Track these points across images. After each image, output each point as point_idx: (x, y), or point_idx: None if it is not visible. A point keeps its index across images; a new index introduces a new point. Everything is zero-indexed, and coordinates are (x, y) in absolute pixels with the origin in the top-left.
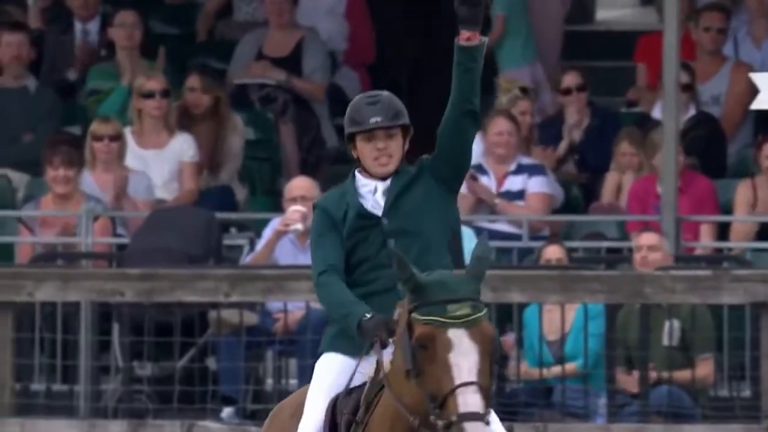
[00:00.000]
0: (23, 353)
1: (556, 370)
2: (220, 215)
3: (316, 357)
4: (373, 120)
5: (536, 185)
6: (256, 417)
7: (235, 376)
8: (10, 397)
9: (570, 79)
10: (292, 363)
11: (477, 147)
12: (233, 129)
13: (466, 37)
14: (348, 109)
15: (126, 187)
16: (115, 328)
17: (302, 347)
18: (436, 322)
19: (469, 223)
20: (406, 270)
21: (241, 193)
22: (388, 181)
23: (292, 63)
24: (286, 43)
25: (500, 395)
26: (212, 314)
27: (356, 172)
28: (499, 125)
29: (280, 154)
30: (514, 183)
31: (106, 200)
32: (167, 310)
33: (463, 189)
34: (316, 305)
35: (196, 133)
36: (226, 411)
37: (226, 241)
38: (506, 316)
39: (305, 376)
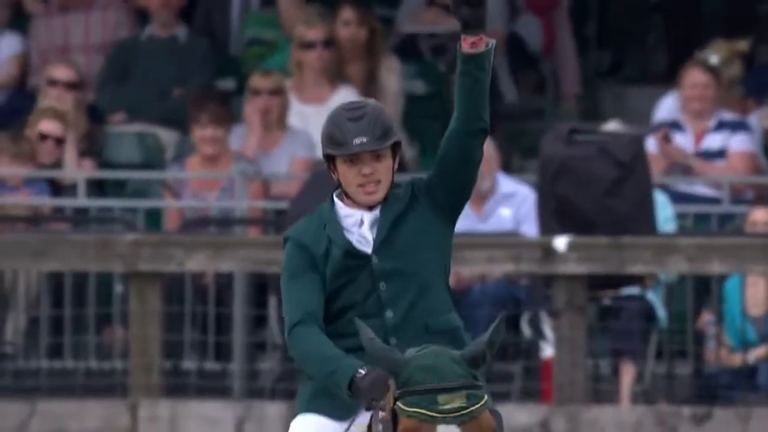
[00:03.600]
0: (172, 329)
1: (761, 351)
2: None
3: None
4: (357, 141)
5: (739, 143)
6: None
7: None
8: (159, 376)
9: None
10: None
11: (672, 102)
12: (389, 68)
13: (470, 43)
14: (326, 123)
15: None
16: (272, 300)
17: (476, 322)
18: (423, 416)
19: (663, 187)
20: (385, 358)
21: (408, 152)
22: (376, 211)
23: None
24: None
25: (698, 376)
26: None
27: (335, 198)
28: (694, 77)
29: (451, 108)
30: (713, 141)
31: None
32: None
33: (654, 150)
34: (492, 277)
35: (348, 77)
36: None
37: None
38: (704, 289)
39: None
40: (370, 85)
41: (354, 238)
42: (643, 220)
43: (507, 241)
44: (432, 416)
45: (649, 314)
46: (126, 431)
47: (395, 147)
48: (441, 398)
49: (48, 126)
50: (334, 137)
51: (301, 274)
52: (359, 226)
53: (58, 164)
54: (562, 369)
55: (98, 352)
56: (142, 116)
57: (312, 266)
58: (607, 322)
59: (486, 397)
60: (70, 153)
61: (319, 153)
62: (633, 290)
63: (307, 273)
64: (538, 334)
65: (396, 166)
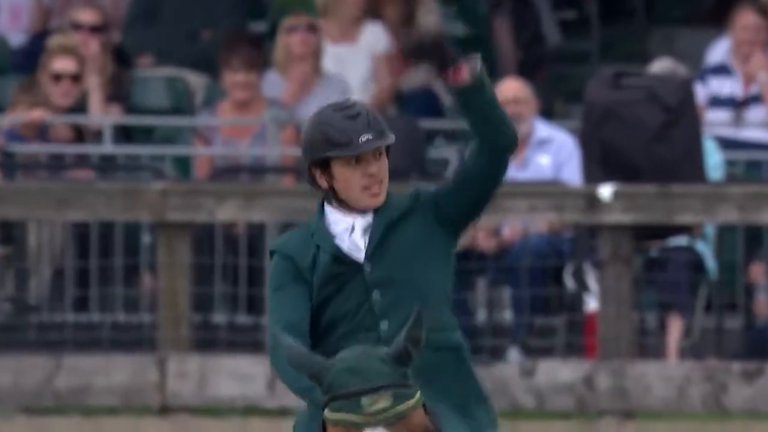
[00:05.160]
0: (202, 281)
1: None
2: (425, 123)
3: (534, 287)
4: (363, 138)
5: None
6: (482, 357)
7: None
8: (188, 330)
9: None
10: (506, 293)
11: (725, 45)
12: (428, 10)
13: (453, 79)
14: (315, 125)
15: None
16: None
17: (517, 275)
18: (347, 422)
19: (710, 133)
20: (307, 366)
21: (447, 97)
22: (369, 217)
23: None
24: None
25: (749, 330)
26: None
27: (325, 206)
28: (746, 18)
29: (494, 52)
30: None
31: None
32: None
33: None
34: (535, 227)
35: (383, 17)
36: None
37: (432, 153)
38: (755, 240)
39: (520, 309)
40: (405, 27)
41: (345, 245)
42: (691, 168)
43: (549, 190)
44: (356, 421)
45: (698, 265)
46: (154, 386)
47: (387, 149)
48: (365, 401)
49: (61, 64)
50: (332, 138)
51: (285, 286)
52: (350, 233)
53: (79, 107)
54: (607, 323)
55: (125, 305)
56: (171, 59)
57: (297, 278)
58: (653, 273)
59: (417, 396)
60: (95, 97)
61: (354, 97)
62: (681, 240)
63: (291, 285)
64: (582, 286)
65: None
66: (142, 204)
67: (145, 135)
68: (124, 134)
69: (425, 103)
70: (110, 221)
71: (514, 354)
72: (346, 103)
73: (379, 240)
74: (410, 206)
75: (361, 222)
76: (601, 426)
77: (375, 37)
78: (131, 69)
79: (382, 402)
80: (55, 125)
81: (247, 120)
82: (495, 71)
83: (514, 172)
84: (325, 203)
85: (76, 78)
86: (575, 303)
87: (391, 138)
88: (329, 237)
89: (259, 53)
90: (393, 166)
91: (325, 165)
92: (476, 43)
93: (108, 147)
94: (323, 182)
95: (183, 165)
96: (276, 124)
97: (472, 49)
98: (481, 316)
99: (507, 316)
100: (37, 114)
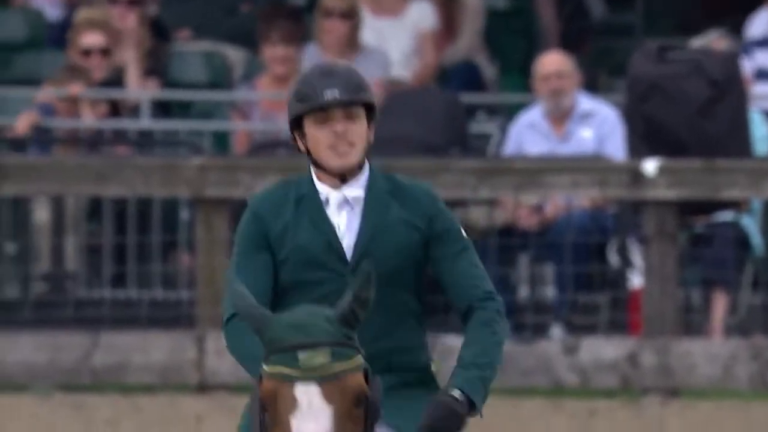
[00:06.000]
0: None
1: None
2: (466, 97)
3: (577, 264)
4: (328, 93)
5: None
6: (524, 334)
7: None
8: None
9: None
10: (549, 269)
11: (762, 16)
12: None
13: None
14: (294, 86)
15: None
16: None
17: (560, 251)
18: (280, 376)
19: (757, 106)
20: (248, 315)
21: (489, 70)
22: (350, 191)
23: None
24: None
25: None
26: (456, 213)
27: (312, 171)
28: None
29: (537, 25)
30: None
31: None
32: None
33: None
34: (578, 203)
35: None
36: None
37: (473, 128)
38: None
39: (563, 286)
40: (449, 1)
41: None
42: (737, 142)
43: (592, 165)
44: (290, 374)
45: (744, 241)
46: (192, 364)
47: (370, 113)
48: (302, 356)
49: (90, 39)
50: (301, 93)
51: (250, 252)
52: (326, 206)
53: (116, 82)
54: (652, 300)
55: (163, 282)
56: (209, 33)
57: (263, 245)
58: (699, 250)
59: (358, 359)
60: (132, 72)
61: (393, 72)
62: (726, 216)
63: (254, 254)
64: (626, 263)
65: (371, 135)
66: (180, 180)
67: (183, 110)
68: (162, 109)
69: (466, 77)
70: (148, 197)
71: (557, 331)
72: (330, 64)
73: (365, 246)
74: (407, 214)
75: (335, 195)
76: (645, 404)
77: (421, 14)
78: (169, 43)
79: (319, 358)
80: (88, 100)
81: (286, 94)
82: (536, 45)
83: (556, 145)
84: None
85: (106, 52)
86: (619, 280)
87: (362, 97)
88: (324, 213)
89: (298, 26)
90: (434, 141)
91: (299, 125)
92: (518, 16)
93: (146, 122)
94: (301, 145)
95: (221, 140)
96: None
97: (514, 23)
98: (523, 292)
99: (550, 292)
100: (75, 88)
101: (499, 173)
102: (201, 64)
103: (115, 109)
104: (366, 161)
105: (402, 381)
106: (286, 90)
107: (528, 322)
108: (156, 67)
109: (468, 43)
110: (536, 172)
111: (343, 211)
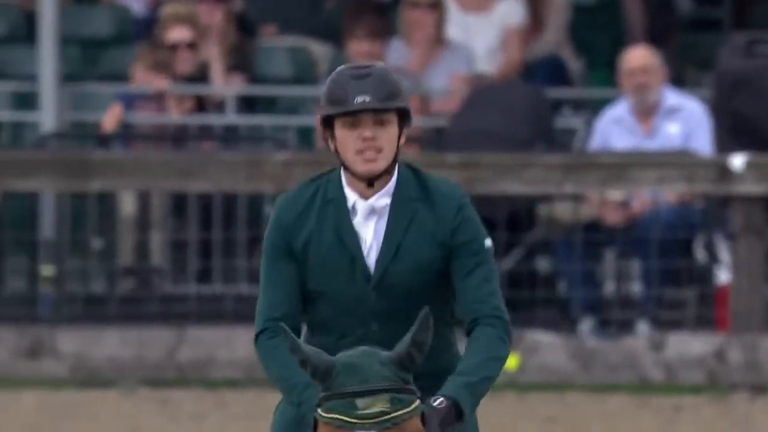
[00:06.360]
0: None
1: None
2: (551, 92)
3: (664, 259)
4: (359, 99)
5: None
6: (610, 330)
7: (569, 281)
8: None
9: None
10: (635, 265)
11: None
12: None
13: None
14: (327, 84)
15: None
16: None
17: (646, 247)
18: (339, 422)
19: None
20: (303, 360)
21: (575, 65)
22: (377, 200)
23: None
24: None
25: None
26: (541, 208)
27: (341, 172)
28: None
29: (623, 20)
30: None
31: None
32: (490, 202)
33: None
34: (664, 199)
35: None
36: (585, 324)
37: (559, 123)
38: None
39: (650, 281)
40: None
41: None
42: None
43: (679, 160)
44: (348, 422)
45: None
46: None
47: (403, 118)
48: (360, 402)
49: (176, 34)
50: (333, 95)
51: (275, 263)
52: (353, 214)
53: (201, 77)
54: (739, 295)
55: (249, 277)
56: (295, 29)
57: (288, 254)
58: None
59: (416, 403)
60: (216, 68)
61: (479, 67)
62: None
63: (281, 263)
64: (713, 258)
65: (403, 140)
66: (265, 175)
67: (269, 105)
68: (247, 105)
69: (552, 72)
70: (233, 192)
71: (643, 327)
72: (364, 64)
73: (388, 264)
74: (432, 225)
75: (363, 206)
76: (732, 400)
77: (510, 10)
78: (255, 39)
79: (378, 405)
80: (173, 95)
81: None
82: (622, 40)
83: (642, 140)
84: (341, 171)
85: (193, 46)
86: (706, 275)
87: (395, 104)
88: (350, 223)
89: (383, 22)
90: (519, 135)
91: (330, 124)
92: (604, 11)
93: (231, 117)
94: (330, 144)
95: (306, 135)
96: None
97: (600, 18)
98: (609, 288)
99: (636, 288)
100: (160, 83)
101: (584, 168)
102: (286, 59)
103: (201, 104)
104: (396, 165)
105: (429, 386)
106: None
107: (614, 317)
108: (241, 62)
109: (554, 38)
110: (622, 167)
111: (370, 222)
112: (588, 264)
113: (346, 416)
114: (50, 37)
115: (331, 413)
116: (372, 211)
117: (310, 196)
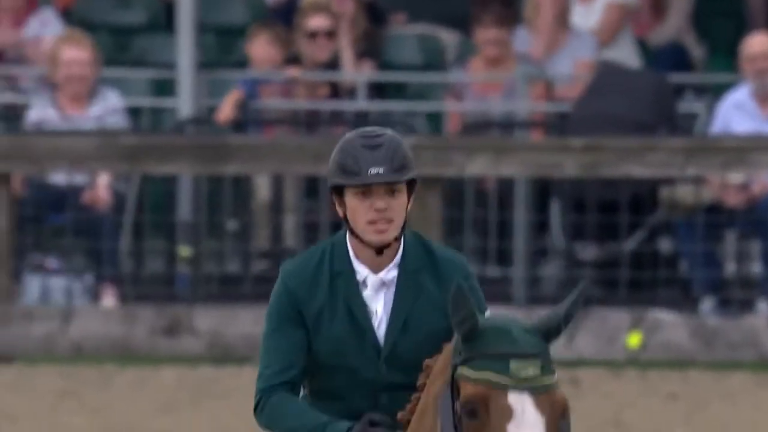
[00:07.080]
0: (453, 233)
1: None
2: (674, 77)
3: None
4: (373, 171)
5: None
6: (731, 309)
7: (691, 262)
8: None
9: None
10: (755, 245)
11: None
12: None
13: None
14: (337, 150)
15: None
16: (555, 205)
17: (766, 228)
18: (494, 383)
19: None
20: (463, 307)
21: (697, 51)
22: (387, 274)
23: None
24: None
25: None
26: (663, 191)
27: (347, 239)
28: None
29: (745, 6)
30: None
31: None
32: (613, 186)
33: None
34: None
35: None
36: (706, 303)
37: (681, 107)
38: None
39: None
40: None
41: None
42: None
43: None
44: (503, 383)
45: None
46: None
47: (411, 185)
48: (514, 365)
49: (316, 22)
50: (345, 166)
51: (282, 330)
52: (362, 285)
53: (332, 64)
54: None
55: None
56: (424, 17)
57: (297, 322)
58: None
59: (556, 374)
60: (347, 55)
61: (602, 55)
62: None
63: (288, 330)
64: None
65: (410, 206)
66: None
67: (398, 91)
68: (378, 91)
69: (674, 58)
70: None
71: (763, 306)
72: (375, 132)
73: (397, 337)
74: (438, 294)
75: (373, 280)
76: None
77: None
78: (385, 26)
79: (531, 369)
80: (304, 83)
81: (498, 76)
82: (745, 25)
83: (761, 124)
84: (347, 235)
85: (331, 34)
86: None
87: (407, 176)
88: (361, 300)
89: (510, 9)
90: (643, 119)
91: (340, 192)
92: None
93: (362, 103)
94: (340, 210)
95: (435, 120)
96: (526, 80)
97: (723, 4)
98: (730, 268)
99: (756, 268)
100: (293, 71)
101: (706, 152)
102: (415, 46)
103: (335, 90)
104: (403, 233)
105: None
106: (498, 71)
107: (735, 297)
108: (371, 50)
109: (676, 24)
110: (743, 150)
111: (380, 294)
112: (709, 245)
113: (501, 376)
114: (188, 26)
115: (483, 372)
116: (382, 284)
117: (315, 265)
